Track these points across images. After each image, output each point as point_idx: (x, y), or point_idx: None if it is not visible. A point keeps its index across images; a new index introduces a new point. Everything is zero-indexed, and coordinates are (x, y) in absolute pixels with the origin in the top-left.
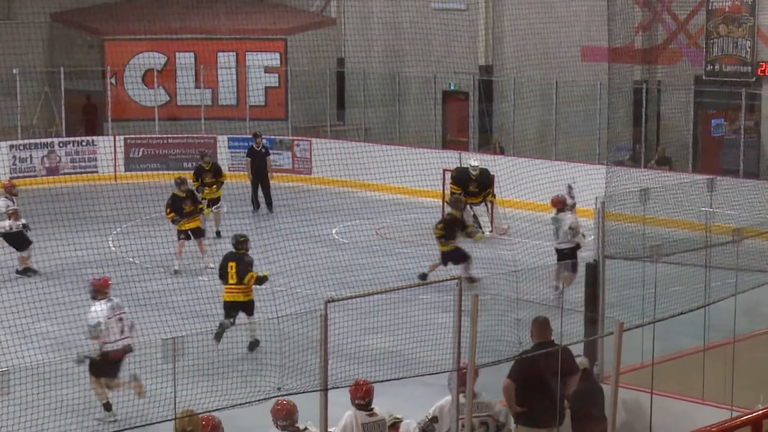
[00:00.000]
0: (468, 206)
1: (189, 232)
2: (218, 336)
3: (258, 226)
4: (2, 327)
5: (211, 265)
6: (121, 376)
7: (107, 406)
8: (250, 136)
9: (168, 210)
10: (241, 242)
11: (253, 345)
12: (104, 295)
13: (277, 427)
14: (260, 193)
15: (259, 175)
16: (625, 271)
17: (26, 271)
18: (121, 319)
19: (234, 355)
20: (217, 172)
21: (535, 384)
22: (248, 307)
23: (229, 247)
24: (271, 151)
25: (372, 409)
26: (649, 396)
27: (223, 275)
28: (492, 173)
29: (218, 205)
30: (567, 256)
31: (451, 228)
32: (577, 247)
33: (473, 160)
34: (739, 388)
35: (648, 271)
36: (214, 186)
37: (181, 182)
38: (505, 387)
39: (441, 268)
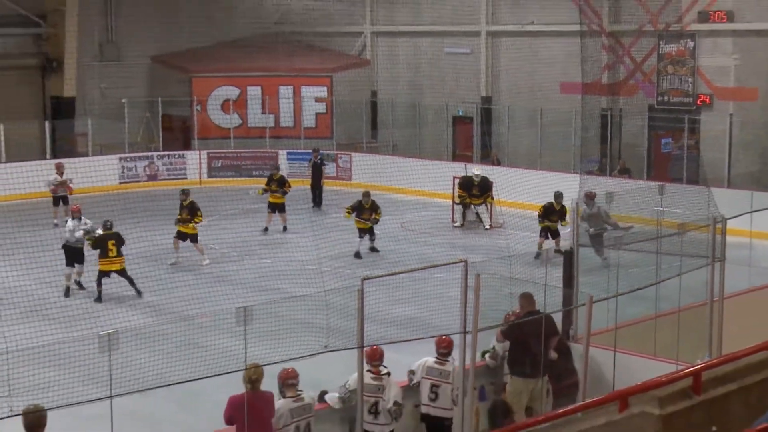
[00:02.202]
0: (471, 206)
1: (182, 234)
2: (373, 249)
3: (311, 221)
4: (113, 298)
5: (206, 262)
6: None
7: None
8: (305, 151)
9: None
10: (367, 195)
11: (374, 249)
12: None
13: (367, 365)
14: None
15: (315, 182)
16: (594, 257)
17: (79, 285)
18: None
19: (291, 320)
20: (281, 183)
21: (525, 344)
22: (372, 232)
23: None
24: (325, 163)
25: (446, 361)
26: (613, 353)
27: (359, 211)
28: (491, 180)
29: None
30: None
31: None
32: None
33: (476, 170)
34: (683, 348)
35: (612, 257)
36: (278, 193)
37: (182, 192)
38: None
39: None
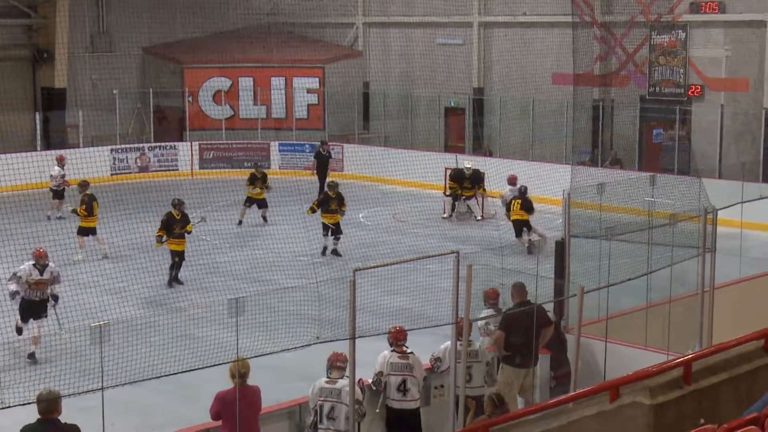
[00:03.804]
0: (462, 197)
1: (83, 229)
2: (324, 252)
3: (303, 212)
4: (105, 290)
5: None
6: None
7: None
8: (297, 143)
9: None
10: (333, 186)
11: (336, 252)
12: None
13: (391, 346)
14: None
15: (322, 172)
16: (585, 247)
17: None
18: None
19: (283, 312)
20: (264, 180)
21: (516, 334)
22: (338, 229)
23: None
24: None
25: (471, 341)
26: (604, 344)
27: (325, 204)
28: (482, 171)
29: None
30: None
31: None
32: None
33: (467, 162)
34: (674, 338)
35: (603, 247)
36: (261, 190)
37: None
38: (497, 337)
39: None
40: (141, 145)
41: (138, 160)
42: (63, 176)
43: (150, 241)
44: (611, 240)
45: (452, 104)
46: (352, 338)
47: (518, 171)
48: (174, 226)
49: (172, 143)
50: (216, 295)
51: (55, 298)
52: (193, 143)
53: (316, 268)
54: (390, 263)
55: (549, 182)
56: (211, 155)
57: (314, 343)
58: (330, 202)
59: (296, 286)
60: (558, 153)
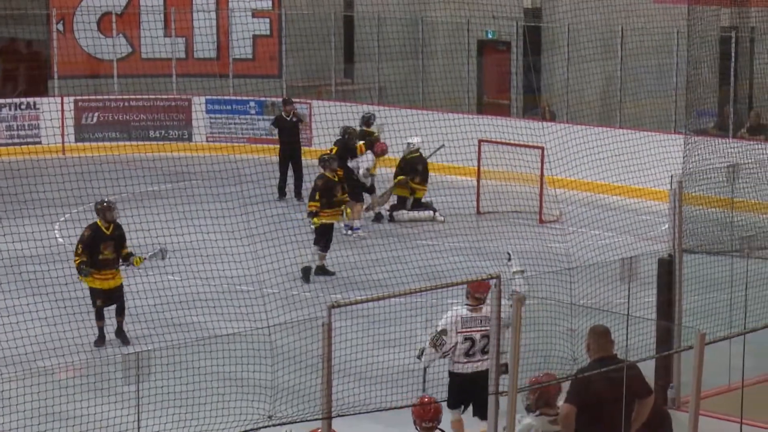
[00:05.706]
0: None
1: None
2: (306, 276)
3: (247, 213)
4: None
5: None
6: None
7: None
8: (236, 98)
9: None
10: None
11: (324, 270)
12: None
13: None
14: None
15: (290, 152)
16: (708, 269)
17: None
18: None
19: (213, 375)
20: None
21: (594, 411)
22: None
23: None
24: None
25: None
26: (738, 426)
27: (329, 193)
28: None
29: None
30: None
31: None
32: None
33: (415, 137)
34: None
35: (737, 269)
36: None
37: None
38: (565, 414)
39: None
40: None
41: None
42: None
43: None
44: (750, 257)
45: (490, 36)
46: (328, 418)
47: (597, 144)
48: (102, 246)
49: (29, 99)
50: (103, 349)
51: None
52: (66, 99)
53: (269, 303)
54: (387, 296)
55: (648, 163)
56: (95, 119)
57: (264, 426)
58: (335, 189)
59: (236, 332)
60: (662, 115)
